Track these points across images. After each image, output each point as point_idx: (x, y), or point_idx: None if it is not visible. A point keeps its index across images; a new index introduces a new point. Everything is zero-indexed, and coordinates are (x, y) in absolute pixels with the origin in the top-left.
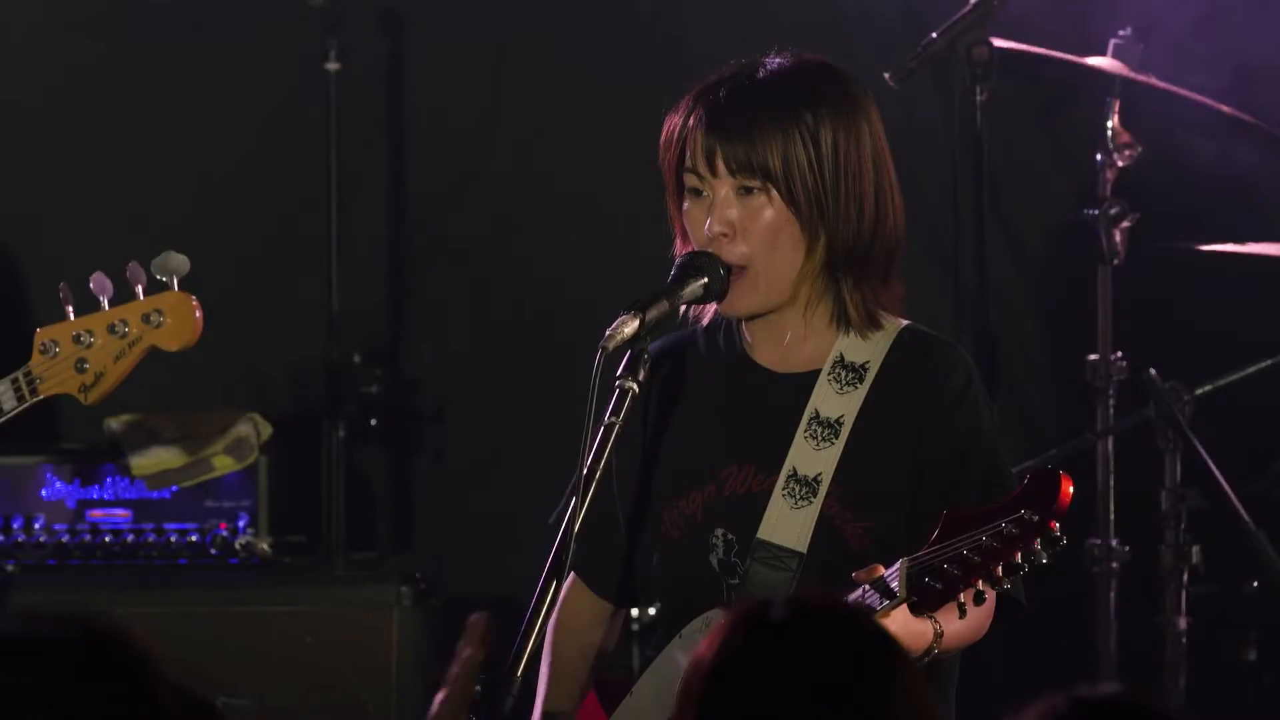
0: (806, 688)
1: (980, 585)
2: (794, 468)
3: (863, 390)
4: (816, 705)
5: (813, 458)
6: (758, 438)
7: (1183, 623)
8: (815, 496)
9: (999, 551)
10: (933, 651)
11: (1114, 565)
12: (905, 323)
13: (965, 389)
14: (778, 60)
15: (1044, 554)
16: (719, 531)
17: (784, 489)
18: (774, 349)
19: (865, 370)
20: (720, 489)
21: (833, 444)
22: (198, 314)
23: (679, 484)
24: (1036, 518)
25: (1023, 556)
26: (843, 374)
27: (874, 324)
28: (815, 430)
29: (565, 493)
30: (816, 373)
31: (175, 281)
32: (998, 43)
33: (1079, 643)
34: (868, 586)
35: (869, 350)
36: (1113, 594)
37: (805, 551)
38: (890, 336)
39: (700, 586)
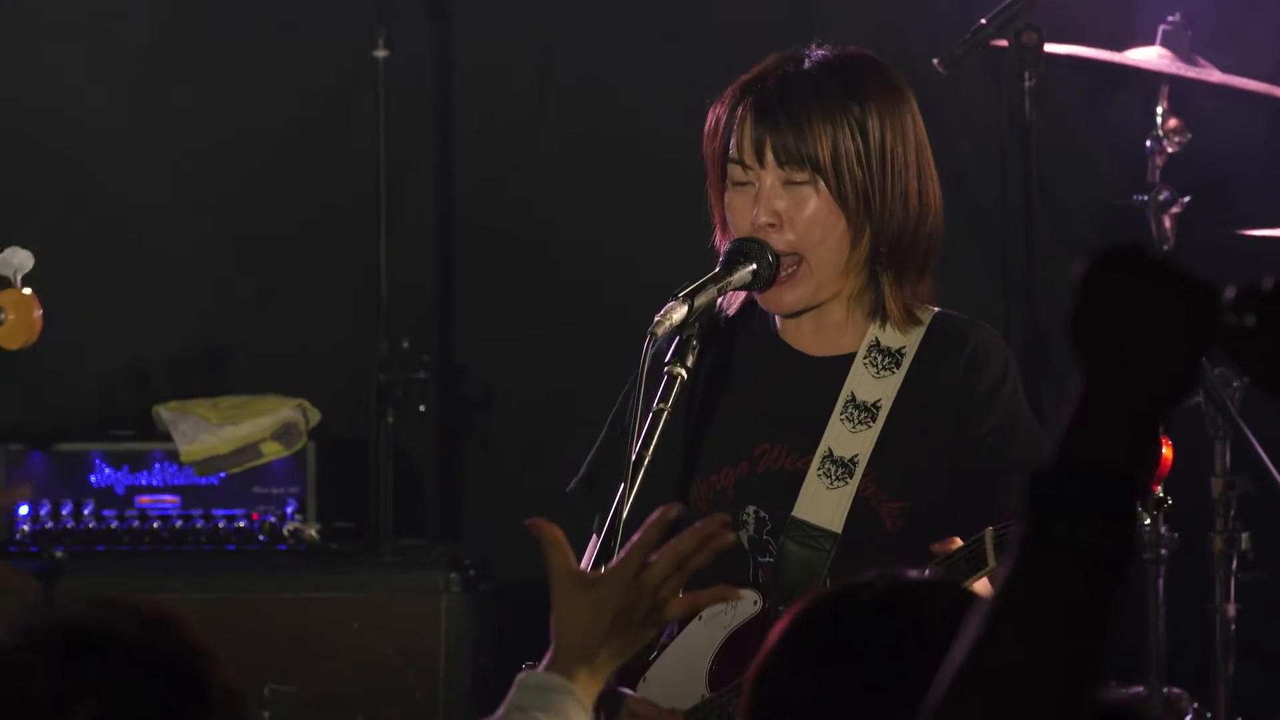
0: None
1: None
2: (830, 449)
3: (899, 375)
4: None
5: (849, 440)
6: (793, 417)
7: (1232, 609)
8: (851, 478)
9: None
10: None
11: (1163, 552)
12: (937, 310)
13: (1004, 372)
14: (820, 52)
15: (1145, 515)
16: (750, 509)
17: (819, 469)
18: (810, 334)
19: (902, 355)
20: (754, 466)
21: (869, 427)
22: (37, 313)
23: (712, 460)
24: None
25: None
26: (879, 358)
27: (912, 319)
28: (851, 413)
29: (585, 463)
30: (852, 356)
31: (18, 278)
32: (1048, 48)
33: (1128, 629)
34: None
35: (904, 338)
36: (1161, 581)
37: (840, 532)
38: (924, 325)
39: (727, 563)
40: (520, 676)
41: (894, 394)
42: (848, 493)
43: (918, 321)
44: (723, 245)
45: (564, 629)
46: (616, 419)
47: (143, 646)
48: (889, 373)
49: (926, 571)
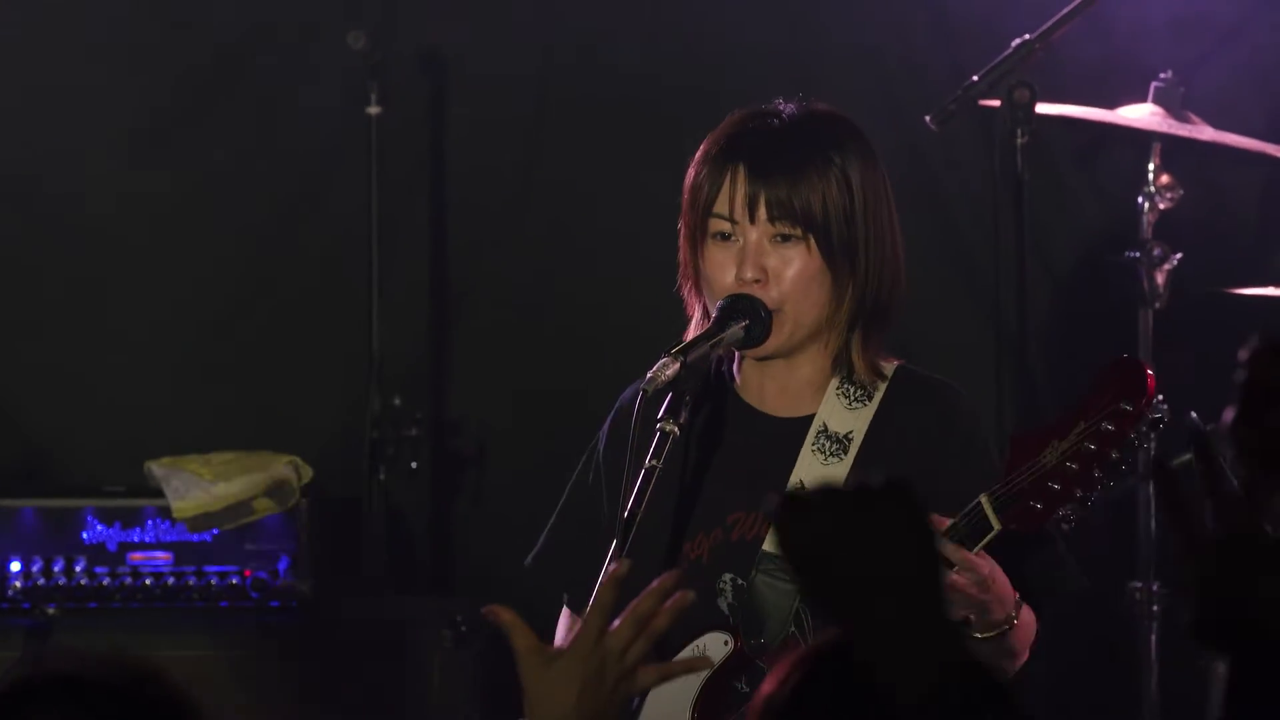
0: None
1: (1079, 494)
2: (801, 481)
3: (871, 408)
4: None
5: (821, 471)
6: (763, 481)
7: (1223, 668)
8: None
9: (1095, 455)
10: (1006, 629)
11: (1155, 609)
12: (898, 362)
13: (975, 429)
14: (791, 107)
15: (1144, 440)
16: (727, 576)
17: None
18: (773, 394)
19: (873, 391)
20: (728, 534)
21: (841, 459)
22: None
23: (686, 528)
24: (1131, 407)
25: (1122, 452)
26: (851, 390)
27: (877, 374)
28: (824, 444)
29: (544, 533)
30: (814, 416)
31: None
32: (1040, 107)
33: (1121, 686)
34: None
35: (871, 385)
36: (1154, 637)
37: None
38: (889, 377)
39: (710, 627)
40: None
41: (865, 427)
42: None
43: (883, 375)
44: (690, 295)
45: (535, 705)
46: (577, 487)
47: (133, 697)
48: (860, 404)
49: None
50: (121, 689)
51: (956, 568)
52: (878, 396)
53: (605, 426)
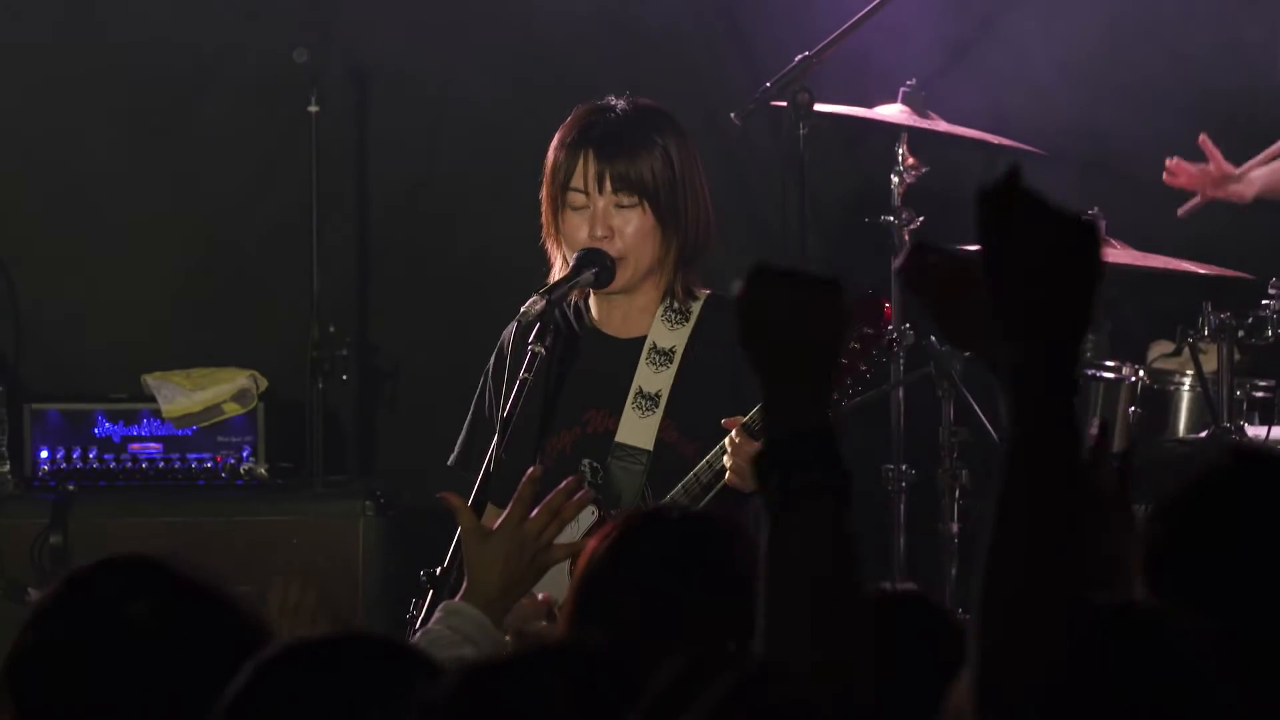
0: (691, 569)
1: (836, 397)
2: (640, 387)
3: (688, 328)
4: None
5: (653, 379)
6: (608, 388)
7: (954, 528)
8: (657, 409)
9: (846, 367)
10: None
11: (903, 485)
12: (709, 291)
13: None
14: (622, 102)
15: (878, 359)
16: (585, 461)
17: (633, 403)
18: (618, 320)
19: (689, 313)
20: (584, 429)
21: (668, 368)
22: None
23: (552, 426)
24: (871, 330)
25: (866, 364)
26: (673, 316)
27: (692, 298)
28: (654, 358)
29: (459, 440)
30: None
31: None
32: (818, 106)
33: (876, 545)
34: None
35: (688, 306)
36: (903, 507)
37: (651, 449)
38: (701, 300)
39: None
40: (444, 603)
41: (684, 342)
42: (655, 420)
43: (695, 297)
44: (553, 249)
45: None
46: (479, 402)
47: (210, 589)
48: (680, 325)
49: (736, 436)
50: (199, 580)
51: (745, 454)
52: (693, 318)
53: (494, 354)
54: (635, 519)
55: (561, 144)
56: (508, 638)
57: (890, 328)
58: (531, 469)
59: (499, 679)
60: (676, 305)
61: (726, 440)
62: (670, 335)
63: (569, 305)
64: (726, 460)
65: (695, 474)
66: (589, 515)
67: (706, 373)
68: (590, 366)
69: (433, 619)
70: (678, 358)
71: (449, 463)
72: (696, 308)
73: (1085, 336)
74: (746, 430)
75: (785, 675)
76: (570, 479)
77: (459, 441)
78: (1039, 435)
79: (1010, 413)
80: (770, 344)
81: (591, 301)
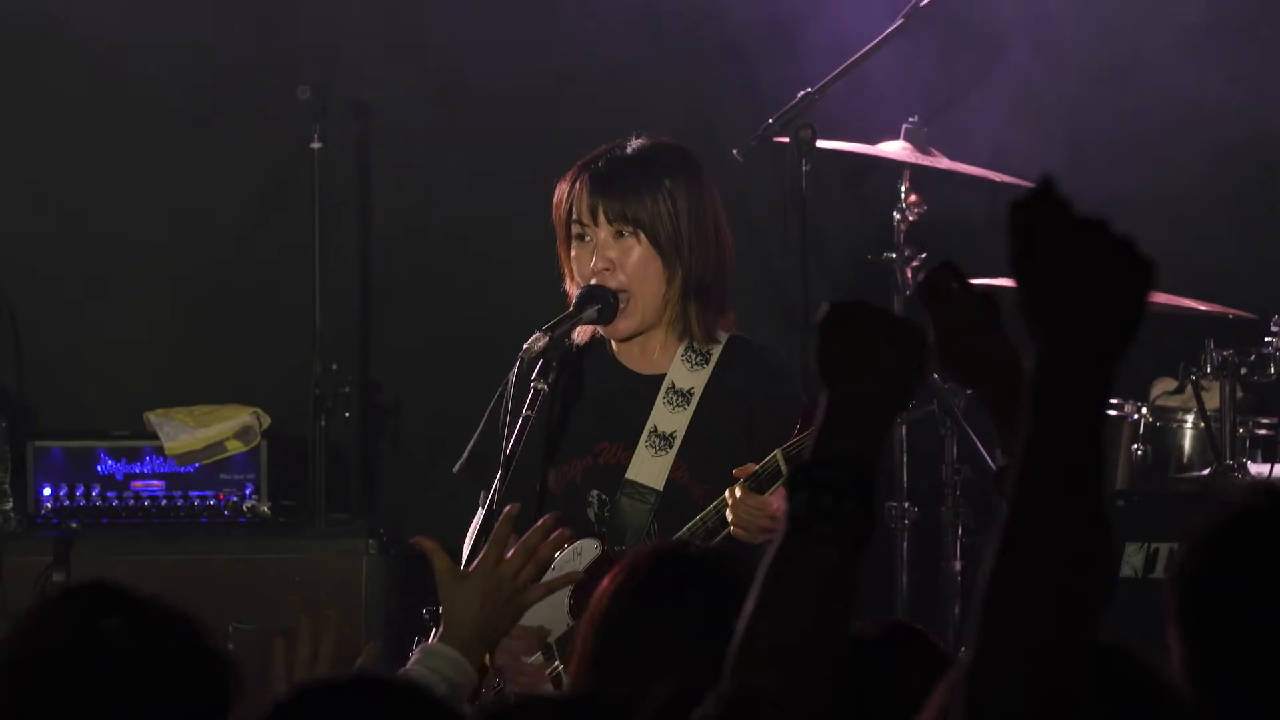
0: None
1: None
2: (655, 425)
3: (708, 370)
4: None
5: (669, 419)
6: (625, 421)
7: (957, 565)
8: (671, 449)
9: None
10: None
11: (906, 522)
12: (732, 333)
13: (788, 386)
14: (639, 140)
15: (902, 419)
16: (594, 492)
17: (646, 441)
18: (637, 355)
19: (709, 357)
20: (596, 460)
21: (685, 409)
22: None
23: (564, 454)
24: None
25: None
26: (693, 357)
27: (712, 340)
28: (671, 398)
29: (467, 449)
30: (664, 375)
31: None
32: (820, 143)
33: (879, 582)
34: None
35: (709, 349)
36: (905, 544)
37: (661, 489)
38: (722, 343)
39: (578, 532)
40: (423, 644)
41: (703, 384)
42: (667, 460)
43: (717, 340)
44: (572, 289)
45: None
46: (491, 416)
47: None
48: (700, 367)
49: (737, 491)
50: (152, 604)
51: (746, 507)
52: (713, 360)
53: (501, 386)
54: (650, 558)
55: (567, 179)
56: (497, 680)
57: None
58: (509, 507)
59: None
60: (696, 346)
61: (727, 493)
62: (690, 376)
63: (595, 337)
64: (728, 514)
65: (702, 518)
66: (593, 549)
67: (723, 417)
68: (607, 398)
69: (410, 660)
70: (695, 400)
71: (455, 469)
72: (717, 351)
73: (1125, 346)
74: (754, 482)
75: (742, 691)
76: (547, 517)
77: (467, 451)
78: (1059, 439)
79: (1032, 418)
80: (847, 366)
81: None
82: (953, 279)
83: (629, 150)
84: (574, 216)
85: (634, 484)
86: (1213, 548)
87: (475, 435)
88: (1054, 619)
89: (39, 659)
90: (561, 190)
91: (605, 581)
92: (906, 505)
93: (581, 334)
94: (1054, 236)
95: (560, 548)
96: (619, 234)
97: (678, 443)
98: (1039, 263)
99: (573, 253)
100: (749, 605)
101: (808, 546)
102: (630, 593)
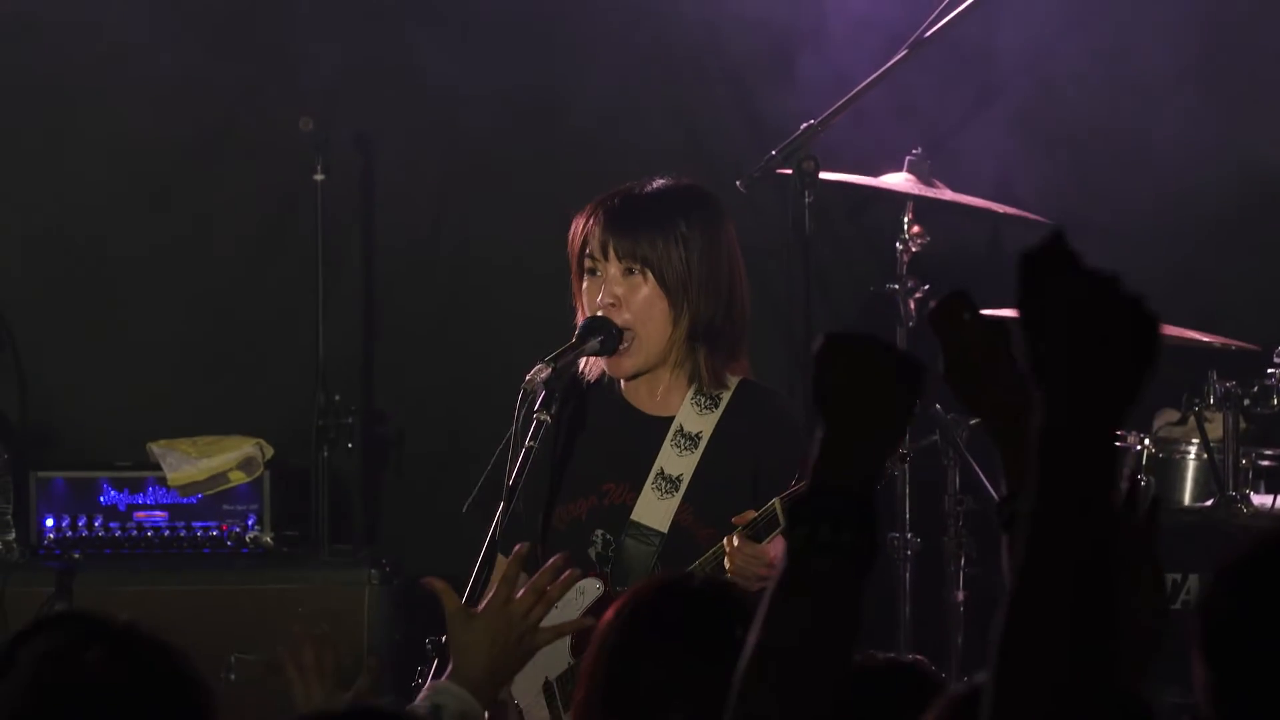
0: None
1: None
2: (661, 468)
3: (717, 414)
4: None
5: (676, 461)
6: (632, 461)
7: (960, 596)
8: (677, 492)
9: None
10: None
11: (909, 553)
12: (742, 377)
13: (794, 432)
14: (661, 181)
15: (893, 469)
16: (599, 532)
17: (653, 483)
18: (645, 395)
19: (719, 400)
20: (601, 500)
21: (693, 452)
22: None
23: (570, 492)
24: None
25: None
26: (702, 400)
27: (721, 385)
28: (679, 440)
29: (478, 486)
30: (673, 418)
31: None
32: (823, 175)
33: (882, 613)
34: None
35: (718, 393)
36: (908, 575)
37: (666, 532)
38: (731, 389)
39: (583, 574)
40: (433, 682)
41: (712, 428)
42: (673, 503)
43: (726, 386)
44: (580, 315)
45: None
46: (500, 457)
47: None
48: (709, 410)
49: (735, 539)
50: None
51: (743, 555)
52: (722, 404)
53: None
54: (654, 589)
55: (582, 212)
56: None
57: (904, 446)
58: (519, 546)
59: None
60: (705, 390)
61: (725, 541)
62: (698, 420)
63: (605, 375)
64: (726, 562)
65: (700, 564)
66: (594, 589)
67: (730, 462)
68: (614, 438)
69: (419, 697)
70: (703, 444)
71: (465, 508)
72: (726, 395)
73: (1130, 404)
74: (751, 530)
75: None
76: (557, 557)
77: (476, 490)
78: (1064, 492)
79: (1037, 472)
80: (843, 398)
81: None
82: (964, 308)
83: (648, 190)
84: (587, 250)
85: (639, 525)
86: (1239, 576)
87: (484, 477)
88: (1071, 659)
89: (15, 692)
90: (577, 224)
91: (609, 613)
92: (909, 536)
93: (592, 371)
94: (1061, 290)
95: (570, 588)
96: (628, 271)
97: (684, 486)
98: (1045, 316)
99: (584, 286)
100: (751, 637)
101: (808, 579)
102: (635, 625)
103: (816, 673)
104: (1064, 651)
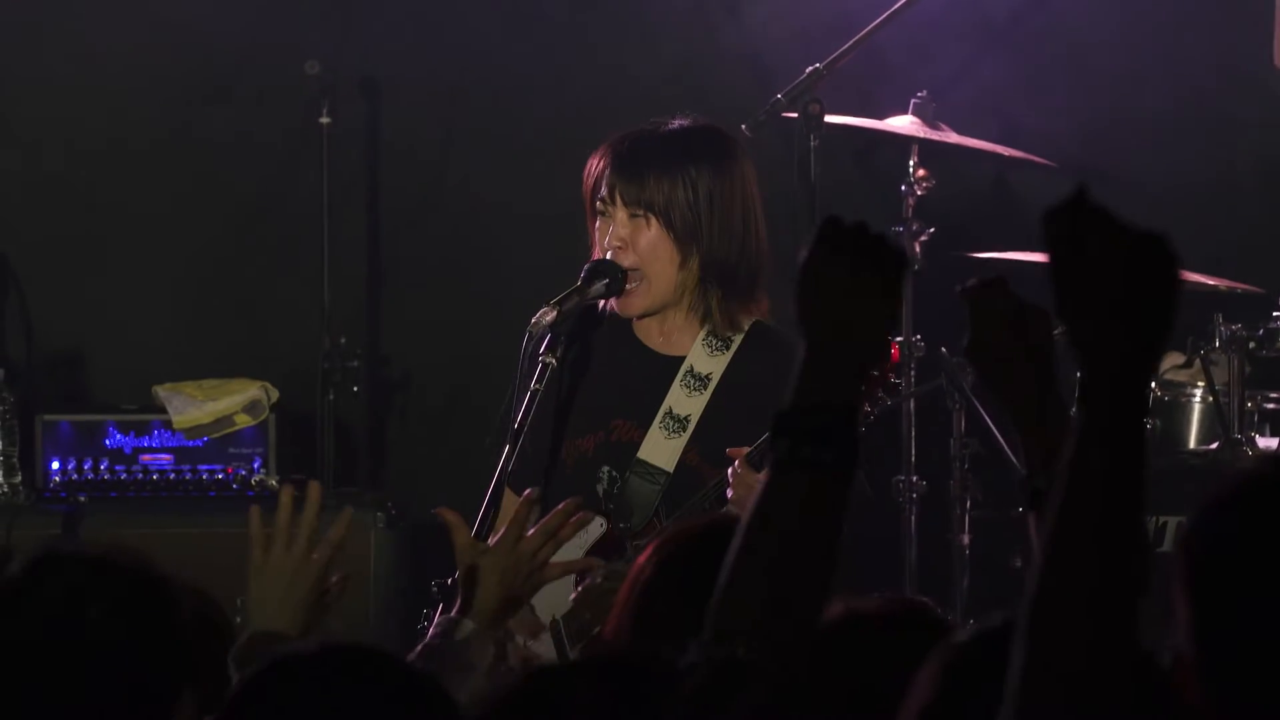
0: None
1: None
2: (670, 407)
3: (728, 355)
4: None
5: (685, 401)
6: (642, 399)
7: (966, 539)
8: (684, 432)
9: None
10: None
11: (914, 496)
12: (756, 319)
13: None
14: (678, 121)
15: (885, 400)
16: (605, 468)
17: (661, 422)
18: (656, 334)
19: (730, 342)
20: (609, 435)
21: (702, 393)
22: None
23: (578, 427)
24: (877, 372)
25: (870, 405)
26: (713, 341)
27: (734, 327)
28: (689, 381)
29: (499, 421)
30: (684, 358)
31: None
32: (828, 118)
33: (887, 556)
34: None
35: (731, 335)
36: (914, 518)
37: (672, 472)
38: (744, 330)
39: (586, 507)
40: (441, 618)
41: (722, 370)
42: (680, 443)
43: (739, 328)
44: (596, 254)
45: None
46: (511, 400)
47: (127, 569)
48: (720, 352)
49: (738, 466)
50: (115, 562)
51: (745, 484)
52: (734, 346)
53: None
54: (702, 528)
55: (595, 154)
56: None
57: (917, 338)
58: (529, 491)
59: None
60: (718, 331)
61: (729, 472)
62: (709, 361)
63: (614, 318)
64: (729, 491)
65: (702, 496)
66: (597, 527)
67: (739, 403)
68: (625, 376)
69: (430, 632)
70: (713, 385)
71: (485, 445)
72: (739, 338)
73: (1161, 352)
74: (750, 462)
75: (724, 638)
76: (569, 500)
77: (495, 429)
78: (1106, 456)
79: (1080, 425)
80: (826, 302)
81: None
82: (1000, 294)
83: (661, 132)
84: (596, 194)
85: (645, 464)
86: (1222, 512)
87: (501, 414)
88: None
89: (20, 651)
90: (590, 165)
91: (649, 549)
92: (914, 479)
93: (606, 308)
94: (1098, 241)
95: (581, 529)
96: (634, 214)
97: (691, 426)
98: (1085, 268)
99: (596, 226)
100: (732, 549)
101: (790, 493)
102: (677, 560)
103: (797, 587)
104: (1098, 588)
